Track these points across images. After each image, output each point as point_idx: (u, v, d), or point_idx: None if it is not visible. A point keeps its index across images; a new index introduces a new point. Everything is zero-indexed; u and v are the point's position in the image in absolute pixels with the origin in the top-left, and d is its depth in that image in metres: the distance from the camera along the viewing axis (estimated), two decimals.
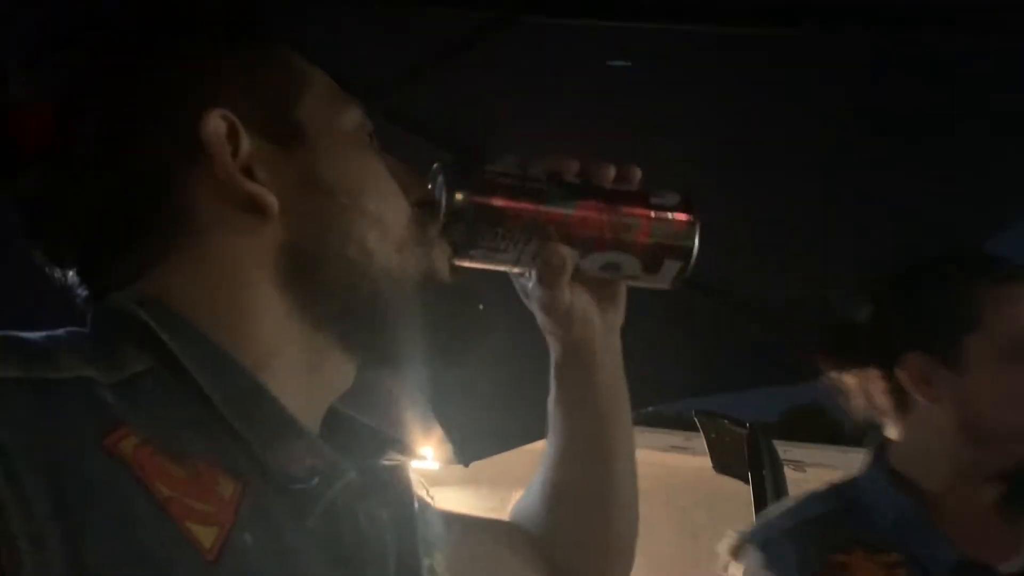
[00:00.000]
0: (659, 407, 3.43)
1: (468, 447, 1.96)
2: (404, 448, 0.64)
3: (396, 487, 0.63)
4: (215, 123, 0.58)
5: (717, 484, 3.74)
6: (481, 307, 0.66)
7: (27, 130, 0.59)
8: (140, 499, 0.47)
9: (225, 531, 0.48)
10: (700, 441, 2.30)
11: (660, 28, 0.98)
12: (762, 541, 1.12)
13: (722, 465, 2.17)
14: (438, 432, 1.91)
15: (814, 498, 1.16)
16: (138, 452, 0.48)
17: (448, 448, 1.99)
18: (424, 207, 0.65)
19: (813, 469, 4.20)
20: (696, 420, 2.10)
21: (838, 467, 4.30)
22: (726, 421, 2.01)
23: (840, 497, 1.14)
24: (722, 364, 1.70)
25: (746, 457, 1.89)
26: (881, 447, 1.16)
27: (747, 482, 1.88)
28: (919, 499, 1.09)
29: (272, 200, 0.58)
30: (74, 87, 0.60)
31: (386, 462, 0.63)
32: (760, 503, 1.86)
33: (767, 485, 1.83)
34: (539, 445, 0.81)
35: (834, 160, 1.25)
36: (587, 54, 1.08)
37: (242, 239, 0.59)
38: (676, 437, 4.23)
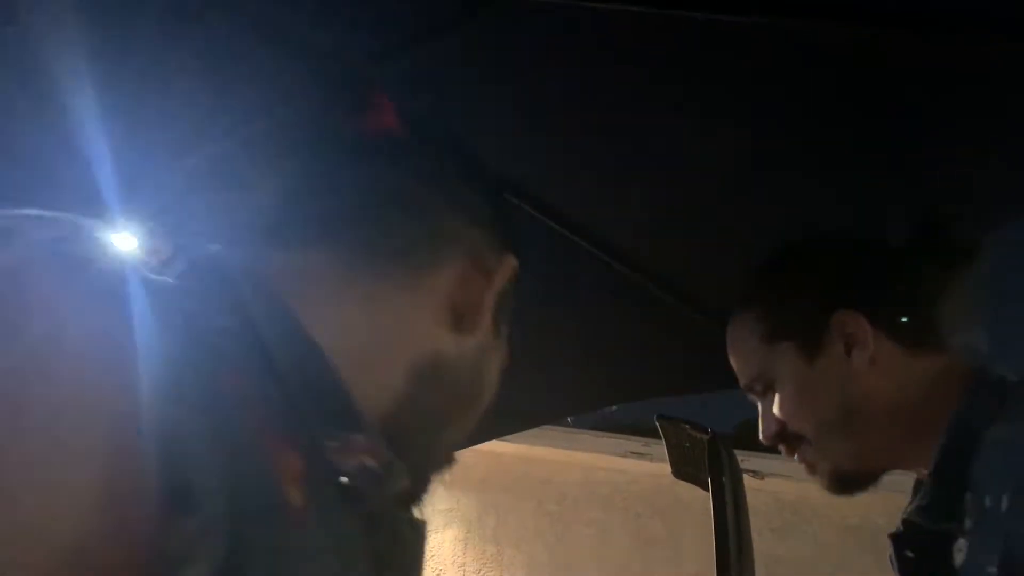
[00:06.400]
0: (618, 412, 3.41)
1: None
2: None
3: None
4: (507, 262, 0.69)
5: (675, 491, 3.72)
6: None
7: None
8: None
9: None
10: (658, 447, 2.27)
11: (640, 11, 0.95)
12: None
13: (682, 471, 2.14)
14: None
15: None
16: None
17: None
18: None
19: (771, 479, 4.22)
20: (657, 424, 2.07)
21: (796, 478, 4.33)
22: (687, 427, 1.99)
23: None
24: (684, 366, 1.68)
25: (706, 464, 1.87)
26: None
27: (707, 489, 1.86)
28: None
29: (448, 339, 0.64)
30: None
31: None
32: (719, 511, 1.83)
33: (726, 493, 1.81)
34: (492, 445, 0.78)
35: (803, 163, 1.23)
36: (565, 38, 1.05)
37: (410, 313, 0.63)
38: (634, 443, 4.21)
